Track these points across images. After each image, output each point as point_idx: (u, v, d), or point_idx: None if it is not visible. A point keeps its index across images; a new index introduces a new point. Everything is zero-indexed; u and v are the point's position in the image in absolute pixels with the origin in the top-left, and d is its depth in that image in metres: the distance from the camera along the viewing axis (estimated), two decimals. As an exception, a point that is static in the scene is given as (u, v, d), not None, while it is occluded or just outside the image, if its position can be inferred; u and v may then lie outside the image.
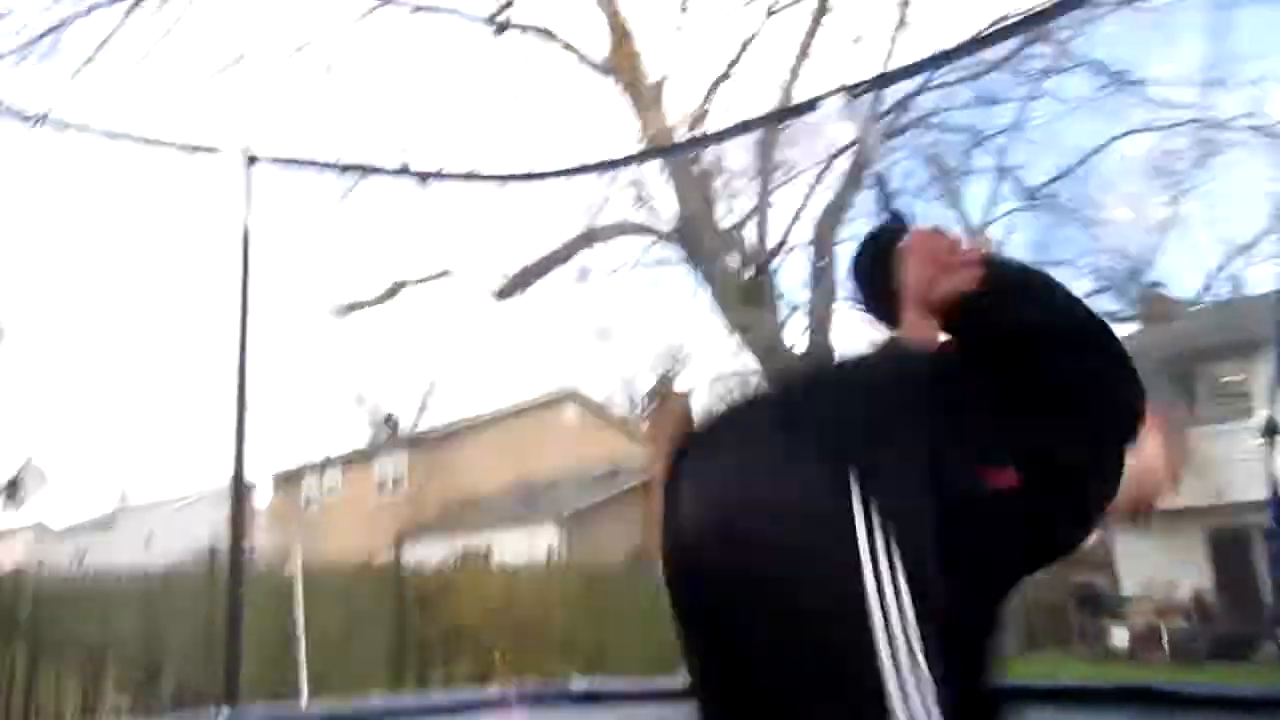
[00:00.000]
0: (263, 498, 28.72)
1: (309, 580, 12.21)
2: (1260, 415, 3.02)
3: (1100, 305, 14.25)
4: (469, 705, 3.83)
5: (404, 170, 11.18)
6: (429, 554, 17.27)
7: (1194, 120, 12.12)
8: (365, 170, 6.64)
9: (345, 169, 8.53)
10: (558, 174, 7.49)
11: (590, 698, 3.59)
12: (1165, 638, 14.87)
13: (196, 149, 4.66)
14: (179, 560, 14.05)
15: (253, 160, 4.26)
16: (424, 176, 10.48)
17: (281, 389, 36.41)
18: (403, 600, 13.25)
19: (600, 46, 12.41)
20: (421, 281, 13.98)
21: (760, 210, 13.10)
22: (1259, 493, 15.93)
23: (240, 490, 4.20)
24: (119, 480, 55.77)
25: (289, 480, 28.83)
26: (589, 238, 13.29)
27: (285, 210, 12.35)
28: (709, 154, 13.14)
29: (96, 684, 10.01)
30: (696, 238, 11.97)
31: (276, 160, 4.69)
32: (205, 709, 4.15)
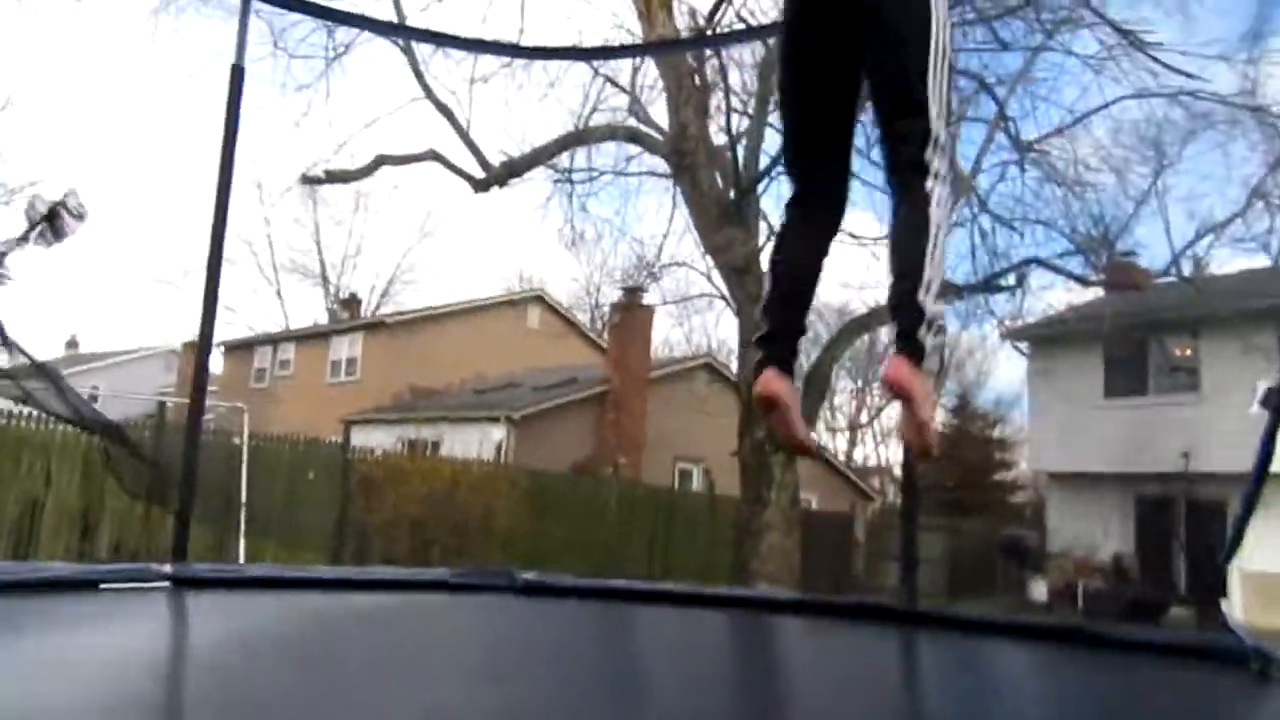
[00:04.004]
0: (213, 363, 28.43)
1: (255, 452, 12.21)
2: (1261, 385, 3.05)
3: (1071, 267, 14.34)
4: (409, 583, 3.84)
5: (403, 28, 10.81)
6: (377, 439, 17.29)
7: (1190, 93, 12.08)
8: (363, 22, 6.32)
9: (343, 17, 8.11)
10: (564, 54, 7.27)
11: (534, 589, 3.60)
12: (1081, 594, 15.41)
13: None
14: (124, 416, 13.91)
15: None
16: (423, 36, 10.12)
17: (245, 254, 35.75)
18: (346, 482, 13.30)
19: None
20: (404, 160, 13.65)
21: (754, 131, 12.91)
22: (1192, 465, 16.36)
23: (206, 347, 4.08)
24: (70, 325, 54.80)
25: (241, 350, 28.53)
26: (578, 138, 13.02)
27: (272, 63, 11.97)
28: (710, 69, 12.86)
29: (31, 535, 9.96)
30: (685, 151, 11.78)
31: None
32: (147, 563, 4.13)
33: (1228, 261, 19.05)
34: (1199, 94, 12.13)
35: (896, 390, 1.78)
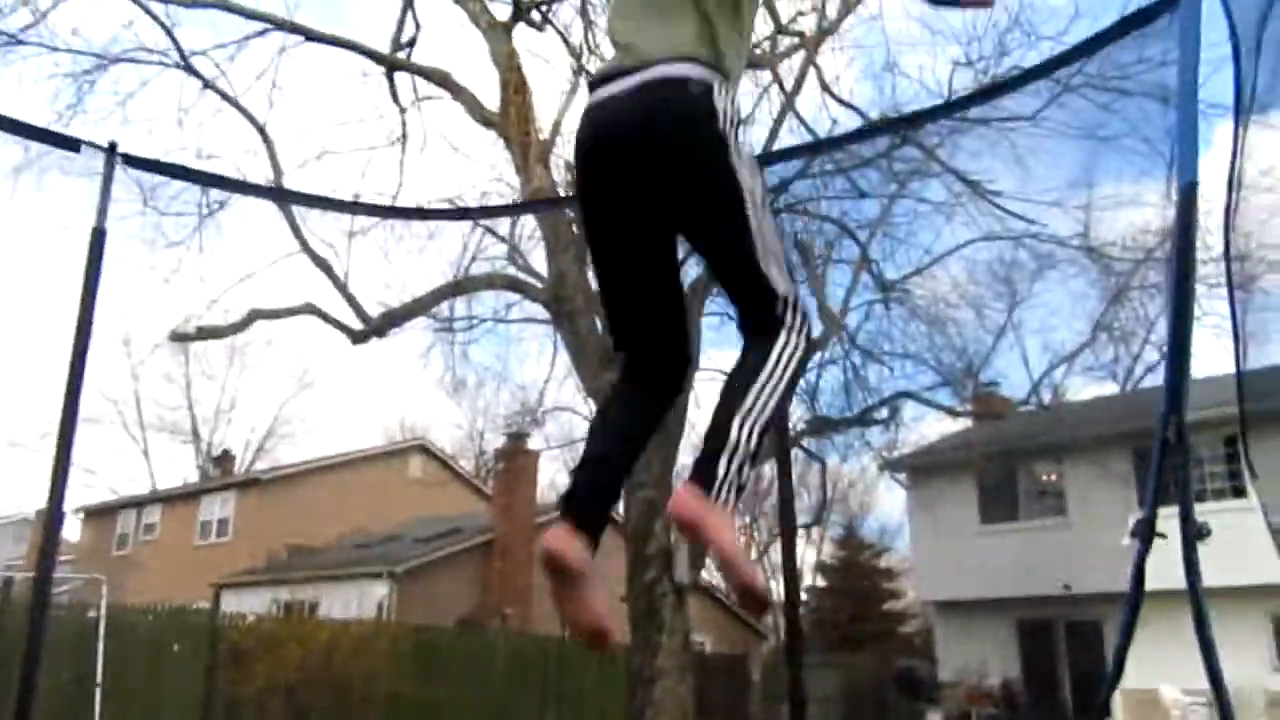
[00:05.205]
0: (70, 531, 26.72)
1: (114, 625, 11.37)
2: (1132, 520, 3.16)
3: (939, 399, 15.03)
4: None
5: (279, 192, 10.82)
6: (250, 603, 16.36)
7: (1032, 236, 13.08)
8: (238, 186, 6.32)
9: (217, 181, 8.12)
10: (439, 215, 7.36)
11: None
12: (975, 723, 15.48)
13: (56, 139, 4.32)
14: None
15: (116, 156, 3.96)
16: (301, 200, 10.15)
17: (110, 413, 34.10)
18: (214, 651, 12.46)
19: (494, 97, 12.41)
20: (280, 315, 13.43)
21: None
22: (1066, 587, 16.83)
23: (55, 517, 3.85)
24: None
25: (102, 515, 26.87)
26: (457, 288, 13.12)
27: (141, 220, 11.75)
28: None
29: None
30: (565, 298, 12.00)
31: (143, 162, 4.42)
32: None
33: (1082, 389, 20.39)
34: (1040, 236, 13.15)
35: (680, 523, 1.55)
